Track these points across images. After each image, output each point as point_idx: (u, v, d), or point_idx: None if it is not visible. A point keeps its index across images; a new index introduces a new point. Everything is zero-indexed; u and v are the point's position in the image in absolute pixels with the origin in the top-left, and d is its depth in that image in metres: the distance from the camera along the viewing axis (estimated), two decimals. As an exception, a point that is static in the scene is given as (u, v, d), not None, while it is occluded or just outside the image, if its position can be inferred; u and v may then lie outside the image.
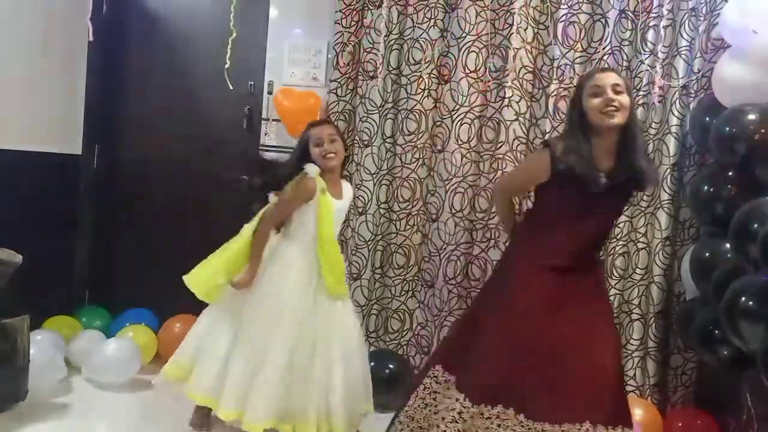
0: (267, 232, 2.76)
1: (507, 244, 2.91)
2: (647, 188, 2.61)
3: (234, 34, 3.43)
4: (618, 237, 3.17)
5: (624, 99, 2.32)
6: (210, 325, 2.81)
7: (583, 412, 2.30)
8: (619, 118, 2.31)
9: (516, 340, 2.36)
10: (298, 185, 2.69)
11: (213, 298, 2.81)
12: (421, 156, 3.39)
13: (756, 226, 2.25)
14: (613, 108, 2.30)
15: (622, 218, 3.15)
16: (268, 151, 3.62)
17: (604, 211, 2.46)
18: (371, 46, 3.40)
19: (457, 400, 2.39)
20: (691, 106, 3.09)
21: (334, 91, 3.46)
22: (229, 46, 3.44)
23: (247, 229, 2.79)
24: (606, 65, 3.12)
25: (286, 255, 2.75)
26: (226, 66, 3.45)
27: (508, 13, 3.25)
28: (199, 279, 2.79)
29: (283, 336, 2.63)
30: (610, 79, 2.34)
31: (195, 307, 2.83)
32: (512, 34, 3.22)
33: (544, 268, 2.40)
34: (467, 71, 3.30)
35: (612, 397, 2.36)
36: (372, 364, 2.95)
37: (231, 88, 3.40)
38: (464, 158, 3.33)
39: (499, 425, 2.33)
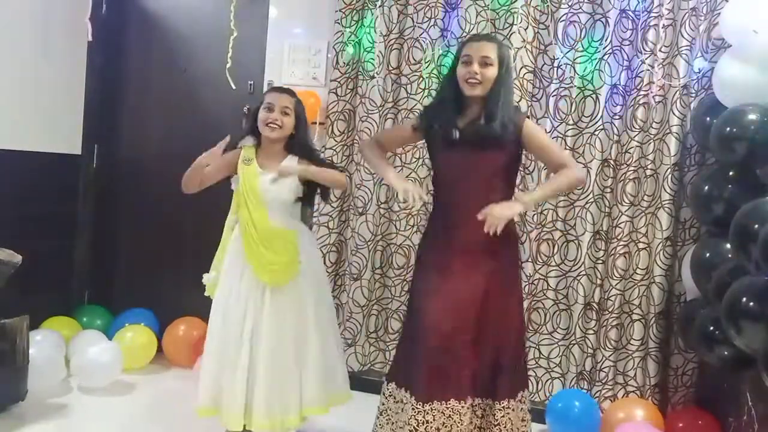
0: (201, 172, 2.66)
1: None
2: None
3: (235, 34, 3.42)
4: (619, 237, 3.17)
5: (489, 72, 2.35)
6: None
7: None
8: (479, 90, 2.36)
9: None
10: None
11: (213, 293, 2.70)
12: (421, 156, 3.38)
13: (757, 226, 2.24)
14: (475, 80, 2.35)
15: (623, 218, 3.15)
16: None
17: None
18: (371, 45, 3.40)
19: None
20: (692, 105, 3.09)
21: (334, 90, 3.46)
22: (230, 45, 3.44)
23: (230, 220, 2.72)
24: (606, 63, 3.13)
25: (233, 235, 2.65)
26: (228, 66, 3.44)
27: (509, 13, 3.24)
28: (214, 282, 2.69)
29: (214, 323, 2.59)
30: (480, 50, 2.36)
31: (195, 307, 2.83)
32: (513, 33, 3.22)
33: None
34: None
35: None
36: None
37: (234, 87, 3.40)
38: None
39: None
